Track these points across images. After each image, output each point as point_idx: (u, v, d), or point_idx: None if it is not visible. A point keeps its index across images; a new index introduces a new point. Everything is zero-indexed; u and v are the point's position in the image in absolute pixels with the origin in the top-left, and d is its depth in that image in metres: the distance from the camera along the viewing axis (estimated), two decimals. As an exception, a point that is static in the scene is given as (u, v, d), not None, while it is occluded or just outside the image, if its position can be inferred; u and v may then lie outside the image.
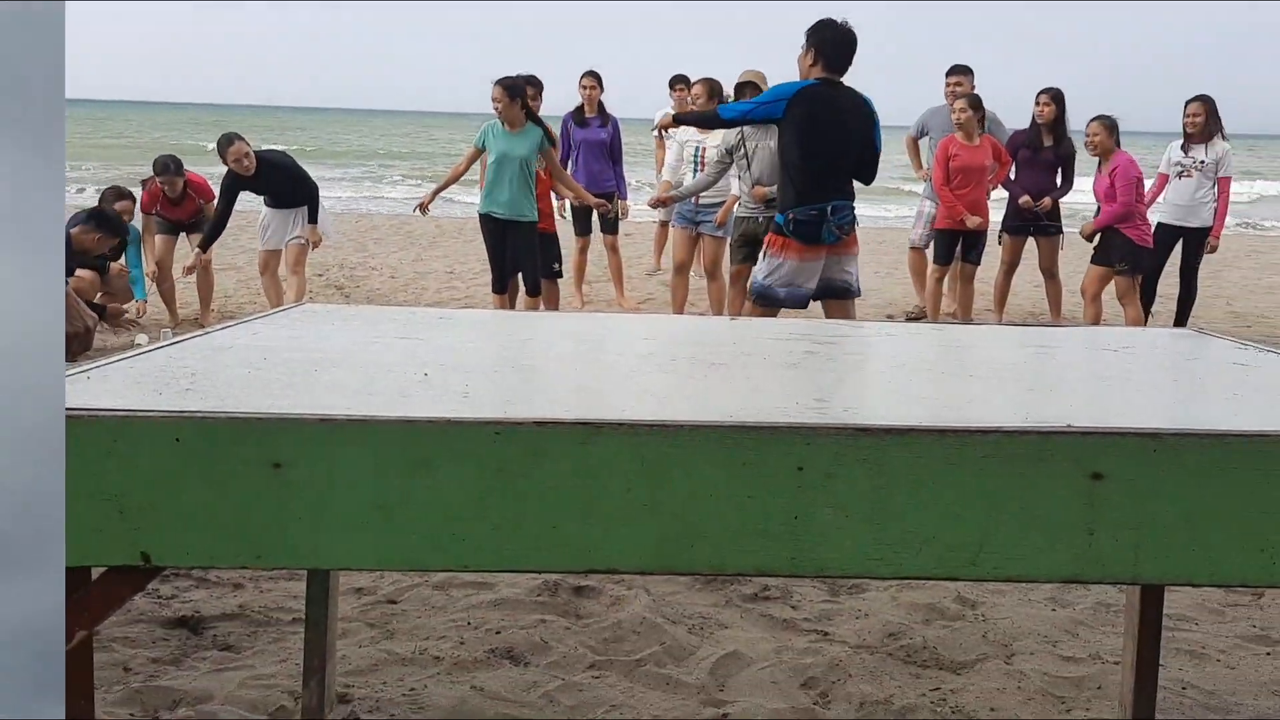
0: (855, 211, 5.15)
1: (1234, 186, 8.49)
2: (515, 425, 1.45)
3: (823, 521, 1.44)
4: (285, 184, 7.67)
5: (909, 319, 8.64)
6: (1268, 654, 3.00)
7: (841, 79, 5.03)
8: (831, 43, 4.94)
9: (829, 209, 4.91)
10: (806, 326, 2.62)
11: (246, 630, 3.00)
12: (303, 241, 7.70)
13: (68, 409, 1.36)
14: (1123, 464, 1.44)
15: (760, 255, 5.23)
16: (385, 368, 1.88)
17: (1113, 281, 7.22)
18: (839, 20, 4.97)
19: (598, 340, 2.44)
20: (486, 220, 7.10)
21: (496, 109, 6.88)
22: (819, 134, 4.88)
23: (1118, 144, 7.16)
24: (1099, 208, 7.34)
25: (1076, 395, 1.92)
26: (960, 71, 8.22)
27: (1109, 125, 7.10)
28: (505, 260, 7.12)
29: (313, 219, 7.68)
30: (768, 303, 5.14)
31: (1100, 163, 7.22)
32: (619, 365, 2.12)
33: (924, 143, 8.63)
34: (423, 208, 7.56)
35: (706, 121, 6.06)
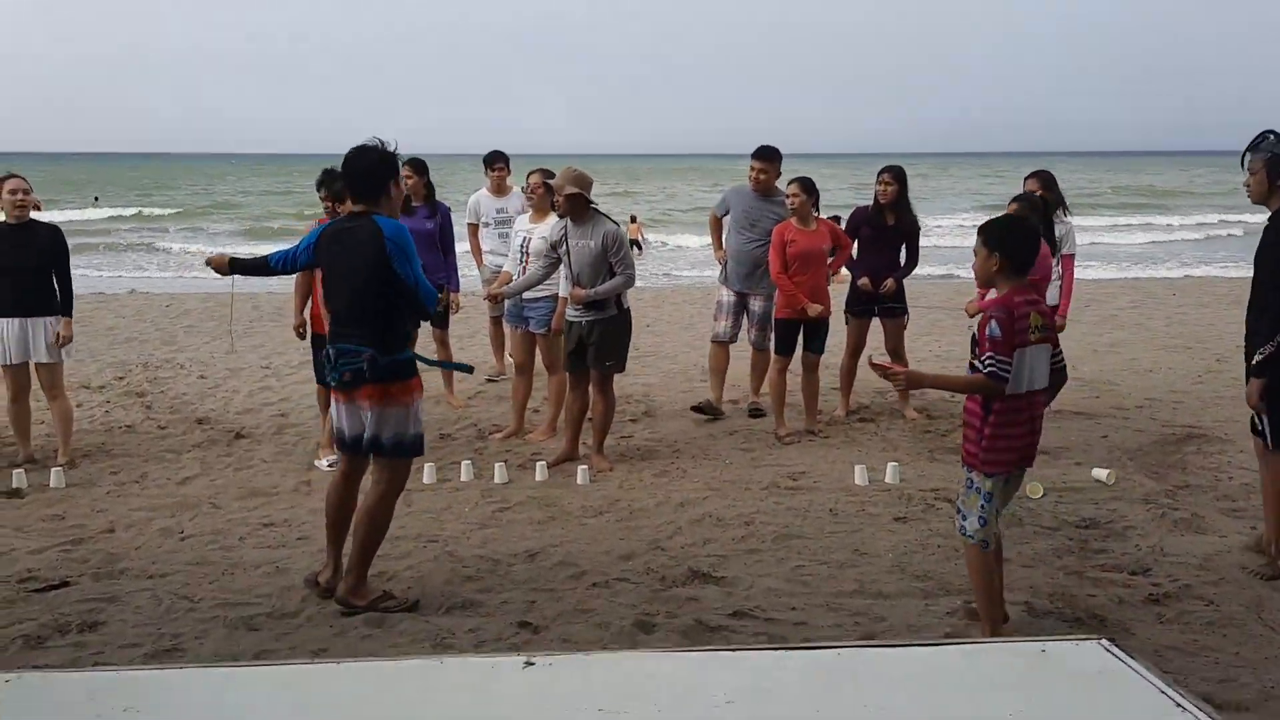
0: (372, 360, 4.41)
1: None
2: None
3: None
4: (42, 259, 6.41)
5: (694, 410, 7.84)
6: None
7: (374, 203, 4.52)
8: (346, 175, 4.66)
9: (331, 352, 4.58)
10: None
11: None
12: (52, 359, 6.50)
13: None
14: None
15: None
16: None
17: None
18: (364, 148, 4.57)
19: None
20: None
21: None
22: (324, 276, 4.79)
23: None
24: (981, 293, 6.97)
25: None
26: (764, 156, 7.68)
27: (1027, 207, 6.58)
28: None
29: (66, 311, 6.52)
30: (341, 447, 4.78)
31: None
32: None
33: (726, 221, 8.07)
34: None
35: (259, 270, 5.09)
